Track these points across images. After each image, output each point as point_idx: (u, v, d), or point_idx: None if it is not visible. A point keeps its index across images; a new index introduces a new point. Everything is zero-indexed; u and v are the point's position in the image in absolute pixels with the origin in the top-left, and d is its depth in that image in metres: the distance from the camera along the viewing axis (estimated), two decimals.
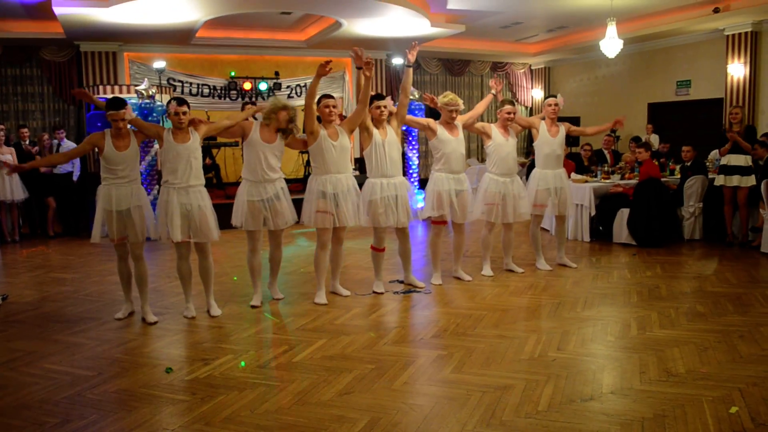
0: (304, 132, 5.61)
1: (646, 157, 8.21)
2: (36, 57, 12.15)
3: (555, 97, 6.73)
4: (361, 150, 5.89)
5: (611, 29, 10.79)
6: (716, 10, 10.94)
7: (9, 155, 9.37)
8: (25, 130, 10.29)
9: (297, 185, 10.95)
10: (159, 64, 11.56)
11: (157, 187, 9.29)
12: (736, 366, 3.96)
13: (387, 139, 5.73)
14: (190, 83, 12.99)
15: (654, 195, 7.96)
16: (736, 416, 3.25)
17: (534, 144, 6.85)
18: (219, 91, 13.20)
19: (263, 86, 13.06)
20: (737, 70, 12.03)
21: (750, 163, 7.80)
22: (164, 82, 12.26)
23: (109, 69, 12.28)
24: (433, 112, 6.26)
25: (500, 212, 6.45)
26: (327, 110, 5.49)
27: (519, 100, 16.98)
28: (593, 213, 8.44)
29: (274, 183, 5.43)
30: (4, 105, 12.06)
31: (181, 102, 5.13)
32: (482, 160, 13.91)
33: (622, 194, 8.45)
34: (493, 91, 6.58)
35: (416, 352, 4.35)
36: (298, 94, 13.69)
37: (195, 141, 5.18)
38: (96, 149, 5.09)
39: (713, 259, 7.38)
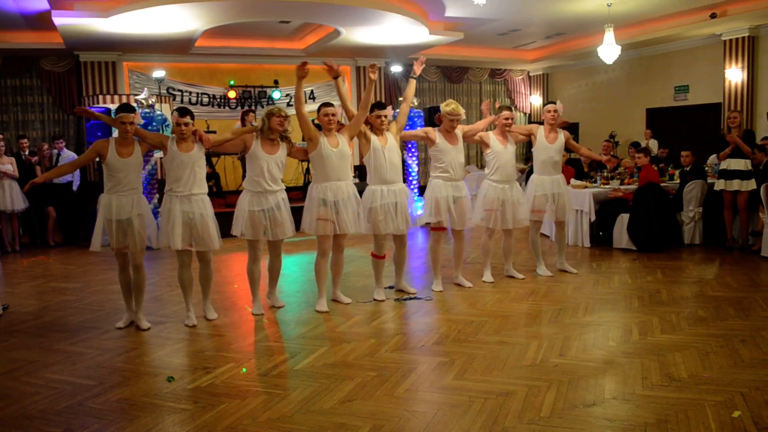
0: (304, 140, 5.62)
1: (646, 162, 8.23)
2: (36, 67, 12.18)
3: (554, 103, 6.75)
4: (361, 157, 5.90)
5: (609, 35, 10.83)
6: (713, 16, 10.98)
7: (9, 165, 9.40)
8: (25, 140, 10.31)
9: (297, 193, 10.96)
10: (158, 73, 11.59)
11: (157, 195, 9.30)
12: (738, 370, 3.96)
13: (387, 146, 5.75)
14: (190, 92, 13.02)
15: (654, 200, 7.97)
16: (739, 420, 3.24)
17: (532, 150, 6.87)
18: (218, 100, 13.24)
19: (276, 95, 13.10)
20: (735, 74, 12.06)
21: (750, 167, 7.82)
22: (164, 91, 12.30)
23: (108, 79, 12.31)
24: (433, 122, 6.27)
25: (499, 218, 6.45)
26: (326, 118, 5.51)
27: (517, 106, 17.02)
28: (593, 218, 8.46)
29: (275, 194, 5.45)
30: (4, 115, 12.09)
31: (183, 113, 5.16)
32: (481, 167, 13.93)
33: (622, 199, 8.46)
34: (487, 112, 6.65)
35: (418, 359, 4.34)
36: None
37: (199, 150, 5.23)
38: (99, 157, 5.11)
39: (714, 264, 7.38)
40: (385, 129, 5.79)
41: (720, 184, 7.95)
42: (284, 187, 5.58)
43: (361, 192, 5.80)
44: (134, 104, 9.55)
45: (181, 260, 5.32)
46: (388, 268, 6.24)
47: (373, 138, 5.73)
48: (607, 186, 8.99)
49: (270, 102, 13.09)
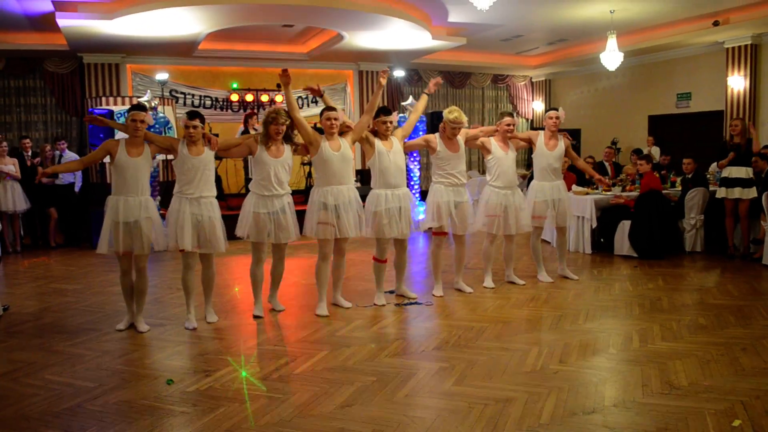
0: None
1: (648, 169, 8.23)
2: (39, 68, 12.20)
3: (556, 110, 6.74)
4: (363, 162, 5.92)
5: (612, 42, 10.85)
6: (716, 23, 11.00)
7: (11, 166, 9.42)
8: (27, 141, 10.33)
9: (298, 197, 10.97)
10: (162, 75, 11.62)
11: (159, 198, 9.31)
12: (739, 379, 3.95)
13: (393, 149, 5.76)
14: (193, 95, 13.04)
15: (655, 207, 7.97)
16: (739, 429, 3.24)
17: (532, 156, 6.88)
18: (221, 103, 13.26)
19: (279, 98, 13.12)
20: (737, 82, 12.06)
21: (751, 175, 7.82)
22: (167, 93, 12.31)
23: (111, 81, 12.33)
24: (435, 129, 6.29)
25: (501, 224, 6.45)
26: (328, 123, 5.52)
27: (520, 112, 17.03)
28: (594, 225, 8.45)
29: (281, 197, 5.46)
30: (7, 116, 12.10)
31: (192, 116, 5.20)
32: (483, 172, 13.92)
33: (624, 206, 8.45)
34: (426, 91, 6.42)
35: (418, 365, 4.34)
36: (300, 106, 13.73)
37: (209, 153, 5.28)
38: (108, 157, 5.10)
39: (715, 272, 7.37)
40: (390, 134, 5.80)
41: (721, 192, 7.94)
42: (290, 191, 5.59)
43: (364, 196, 5.81)
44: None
45: (186, 262, 5.34)
46: (388, 272, 6.24)
47: (377, 142, 5.74)
48: (608, 193, 8.99)
49: (272, 104, 13.09)
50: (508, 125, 6.44)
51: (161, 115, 9.48)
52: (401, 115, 7.18)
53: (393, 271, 6.29)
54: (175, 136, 6.93)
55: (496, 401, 3.65)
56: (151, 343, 4.98)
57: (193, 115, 5.21)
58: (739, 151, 7.77)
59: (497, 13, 10.49)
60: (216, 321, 5.48)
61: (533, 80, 17.24)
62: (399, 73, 14.34)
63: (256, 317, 5.62)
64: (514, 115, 12.86)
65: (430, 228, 6.28)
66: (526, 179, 11.67)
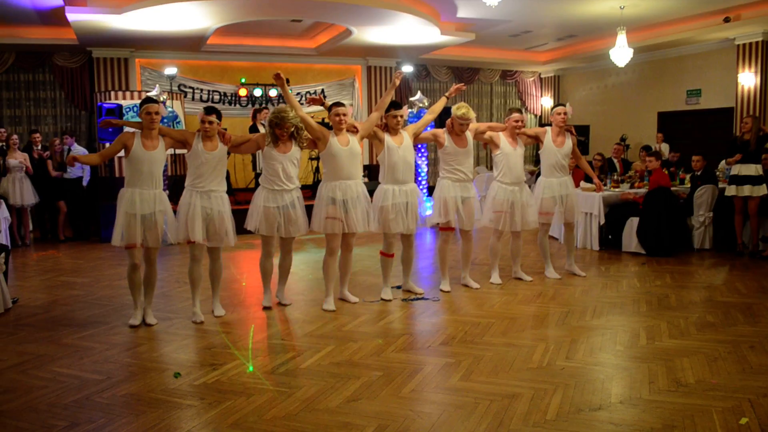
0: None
1: (657, 166, 8.18)
2: (49, 63, 12.25)
3: (564, 105, 6.71)
4: (372, 157, 5.93)
5: (621, 38, 10.78)
6: (727, 20, 10.91)
7: (21, 160, 9.47)
8: (37, 135, 10.38)
9: (306, 191, 10.97)
10: (170, 70, 11.64)
11: (168, 192, 9.33)
12: (747, 377, 3.93)
13: (403, 145, 5.77)
14: (201, 89, 13.07)
15: (664, 204, 7.93)
16: (746, 427, 3.23)
17: (539, 152, 6.86)
18: (229, 98, 13.28)
19: (273, 92, 13.13)
20: (748, 79, 11.97)
21: (761, 173, 7.76)
22: (175, 88, 12.34)
23: (120, 75, 12.37)
24: (443, 125, 6.30)
25: (509, 220, 6.44)
26: (337, 118, 5.52)
27: (528, 108, 16.97)
28: (602, 222, 8.42)
29: (291, 192, 5.48)
30: (17, 110, 12.16)
31: (209, 111, 5.25)
32: (490, 168, 13.89)
33: (632, 203, 8.42)
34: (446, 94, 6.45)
35: (424, 360, 4.34)
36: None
37: (222, 149, 5.33)
38: (124, 149, 5.11)
39: (723, 269, 7.33)
40: (400, 129, 5.81)
41: (731, 190, 7.89)
42: (299, 185, 5.62)
43: (372, 191, 5.81)
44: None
45: (194, 255, 5.37)
46: (395, 267, 6.24)
47: (387, 137, 5.75)
48: (617, 189, 8.96)
49: (279, 101, 13.09)
50: (517, 121, 6.42)
51: (170, 109, 9.50)
52: (409, 110, 7.18)
53: (400, 267, 6.30)
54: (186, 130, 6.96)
55: (502, 397, 3.65)
56: (158, 336, 5.00)
57: (210, 110, 5.26)
58: (747, 150, 7.72)
59: (506, 9, 10.45)
60: (223, 315, 5.51)
61: (542, 76, 17.17)
62: (407, 69, 14.30)
63: (265, 308, 5.68)
64: (523, 111, 12.82)
65: (437, 223, 6.28)
66: (534, 175, 11.64)
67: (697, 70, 13.29)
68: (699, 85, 13.27)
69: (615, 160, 11.05)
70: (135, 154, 5.04)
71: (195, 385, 3.93)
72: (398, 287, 6.33)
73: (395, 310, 5.70)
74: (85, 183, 10.40)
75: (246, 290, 6.52)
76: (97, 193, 10.26)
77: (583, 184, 8.87)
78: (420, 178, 11.12)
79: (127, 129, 5.22)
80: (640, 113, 14.47)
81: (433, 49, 13.10)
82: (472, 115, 6.07)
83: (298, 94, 13.61)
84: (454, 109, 6.10)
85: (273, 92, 13.04)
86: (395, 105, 5.80)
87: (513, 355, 4.38)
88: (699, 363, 4.18)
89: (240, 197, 10.36)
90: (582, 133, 13.90)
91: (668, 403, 3.53)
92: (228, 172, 11.56)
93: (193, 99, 12.81)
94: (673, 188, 8.53)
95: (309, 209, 5.58)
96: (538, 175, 7.08)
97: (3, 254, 5.86)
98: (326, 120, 5.89)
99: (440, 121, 6.95)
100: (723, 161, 9.59)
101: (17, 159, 9.44)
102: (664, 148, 12.44)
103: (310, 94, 13.75)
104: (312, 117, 5.78)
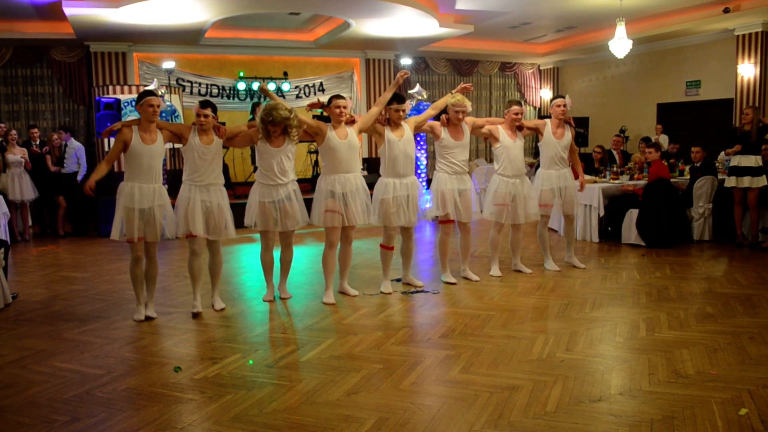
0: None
1: (656, 157, 8.18)
2: (46, 57, 12.21)
3: (563, 97, 6.70)
4: (371, 150, 5.92)
5: (620, 29, 10.75)
6: (726, 10, 10.87)
7: (20, 155, 9.46)
8: (35, 130, 10.36)
9: (305, 185, 10.97)
10: (168, 64, 11.60)
11: (167, 186, 9.32)
12: (746, 368, 3.94)
13: (404, 138, 5.76)
14: (199, 83, 13.03)
15: (663, 196, 7.93)
16: (746, 418, 3.23)
17: (539, 144, 6.85)
18: (228, 91, 13.25)
19: (286, 86, 13.11)
20: (747, 70, 11.95)
21: (760, 164, 7.76)
22: (173, 82, 12.31)
23: (118, 69, 12.33)
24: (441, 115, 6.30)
25: (510, 213, 6.44)
26: (338, 110, 5.52)
27: (528, 100, 16.94)
28: (602, 214, 8.42)
29: (286, 186, 5.48)
30: (15, 105, 12.13)
31: (204, 105, 5.25)
32: (490, 161, 13.89)
33: (631, 195, 8.41)
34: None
35: (424, 352, 4.35)
36: (307, 94, 13.72)
37: (218, 142, 5.33)
38: (123, 145, 5.07)
39: (723, 260, 7.34)
40: (401, 122, 5.80)
41: (731, 181, 7.89)
42: (295, 178, 5.61)
43: (371, 184, 5.81)
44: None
45: (193, 249, 5.38)
46: (395, 261, 6.24)
47: (387, 131, 5.75)
48: (616, 181, 8.95)
49: (279, 93, 13.07)
50: (516, 114, 6.41)
51: (168, 103, 9.47)
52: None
53: (399, 260, 6.30)
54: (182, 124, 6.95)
55: (503, 389, 3.65)
56: (158, 330, 5.01)
57: (205, 104, 5.25)
58: (747, 141, 7.71)
59: (505, 0, 10.42)
60: (223, 308, 5.51)
61: (541, 68, 17.13)
62: (406, 61, 14.27)
63: (266, 301, 5.71)
64: (522, 103, 12.80)
65: (436, 216, 6.28)
66: (534, 167, 11.64)
67: (697, 61, 13.25)
68: (698, 77, 13.24)
69: (614, 152, 11.04)
70: (134, 148, 5.03)
71: (195, 378, 3.93)
72: (398, 280, 6.33)
73: (395, 303, 5.70)
74: (79, 178, 10.33)
75: (245, 284, 6.51)
76: (96, 187, 10.22)
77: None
78: (420, 171, 11.11)
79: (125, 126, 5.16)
80: (639, 105, 14.45)
81: (432, 42, 13.06)
82: (467, 102, 6.06)
83: (296, 87, 13.59)
84: (448, 98, 6.10)
85: (271, 86, 13.01)
86: (398, 98, 5.78)
87: (513, 348, 4.39)
88: (699, 354, 4.18)
89: (239, 191, 10.36)
90: (581, 125, 13.87)
91: (668, 395, 3.53)
92: (227, 166, 11.67)
93: (191, 93, 12.78)
94: (672, 180, 8.52)
95: (308, 203, 5.58)
96: (537, 167, 7.07)
97: (2, 249, 5.87)
98: (325, 113, 5.86)
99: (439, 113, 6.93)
100: (722, 152, 9.58)
101: (16, 154, 9.43)
102: (664, 139, 12.42)
103: (309, 87, 13.73)
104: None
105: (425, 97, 10.51)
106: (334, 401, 3.55)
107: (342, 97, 5.61)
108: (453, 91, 6.26)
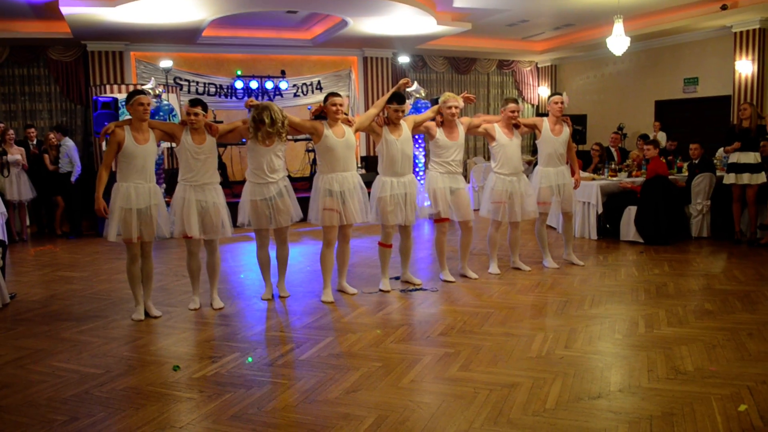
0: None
1: (654, 154, 8.18)
2: (43, 57, 12.19)
3: (560, 94, 6.69)
4: (369, 148, 5.92)
5: (618, 27, 10.74)
6: (724, 7, 10.88)
7: (18, 155, 9.44)
8: (32, 129, 10.33)
9: (303, 183, 10.96)
10: (165, 63, 11.58)
11: (164, 185, 9.31)
12: (745, 364, 3.94)
13: (402, 137, 5.76)
14: (197, 82, 13.02)
15: (661, 193, 7.93)
16: (745, 414, 3.23)
17: (537, 142, 6.84)
18: (225, 90, 13.23)
19: (284, 85, 13.09)
20: (745, 67, 11.95)
21: (759, 160, 7.76)
22: (171, 81, 12.27)
23: (115, 68, 12.31)
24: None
25: (508, 211, 6.43)
26: (334, 108, 5.51)
27: (525, 98, 16.94)
28: (600, 211, 8.42)
29: (276, 183, 5.46)
30: (12, 105, 12.11)
31: (194, 103, 5.22)
32: (488, 159, 13.90)
33: (630, 192, 8.41)
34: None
35: (423, 350, 4.34)
36: (304, 92, 13.71)
37: (211, 140, 5.30)
38: (117, 146, 5.04)
39: (721, 257, 7.34)
40: (400, 121, 5.80)
41: (730, 178, 7.88)
42: (286, 174, 5.60)
43: (368, 182, 5.81)
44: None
45: (190, 248, 5.38)
46: (393, 259, 6.23)
47: (385, 130, 5.75)
48: (614, 178, 8.95)
49: (275, 94, 13.05)
50: (513, 111, 6.41)
51: (165, 102, 9.46)
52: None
53: (398, 258, 6.29)
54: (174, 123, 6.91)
55: (502, 386, 3.65)
56: (157, 329, 5.00)
57: (194, 102, 5.22)
58: (747, 137, 7.71)
59: None
60: (222, 307, 5.51)
61: (539, 66, 17.13)
62: (404, 59, 14.26)
63: (265, 300, 5.71)
64: (520, 101, 12.79)
65: (431, 215, 6.27)
66: (532, 165, 11.64)
67: (695, 58, 13.26)
68: (696, 74, 13.25)
69: (612, 149, 11.04)
70: (128, 149, 5.02)
71: (194, 377, 3.92)
72: (396, 278, 6.33)
73: (394, 301, 5.70)
74: (73, 179, 10.26)
75: (244, 283, 6.51)
76: (89, 188, 10.18)
77: (581, 173, 8.85)
78: (417, 170, 11.10)
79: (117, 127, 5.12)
80: (637, 102, 14.45)
81: (430, 40, 13.05)
82: (459, 99, 6.07)
83: (294, 85, 13.57)
84: (441, 97, 6.12)
85: (269, 84, 12.99)
86: (399, 99, 5.76)
87: (512, 345, 4.38)
88: (698, 351, 4.18)
89: (237, 190, 10.32)
90: (579, 123, 13.86)
91: (667, 391, 3.53)
92: (224, 165, 11.63)
93: (189, 92, 12.76)
94: (670, 176, 8.52)
95: (306, 201, 5.57)
96: (535, 165, 7.07)
97: (0, 249, 5.85)
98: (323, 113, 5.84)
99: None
100: (720, 149, 9.58)
101: (15, 154, 9.41)
102: (662, 136, 12.42)
103: (306, 86, 13.71)
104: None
105: (423, 95, 10.51)
106: (333, 399, 3.54)
107: (338, 95, 5.60)
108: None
